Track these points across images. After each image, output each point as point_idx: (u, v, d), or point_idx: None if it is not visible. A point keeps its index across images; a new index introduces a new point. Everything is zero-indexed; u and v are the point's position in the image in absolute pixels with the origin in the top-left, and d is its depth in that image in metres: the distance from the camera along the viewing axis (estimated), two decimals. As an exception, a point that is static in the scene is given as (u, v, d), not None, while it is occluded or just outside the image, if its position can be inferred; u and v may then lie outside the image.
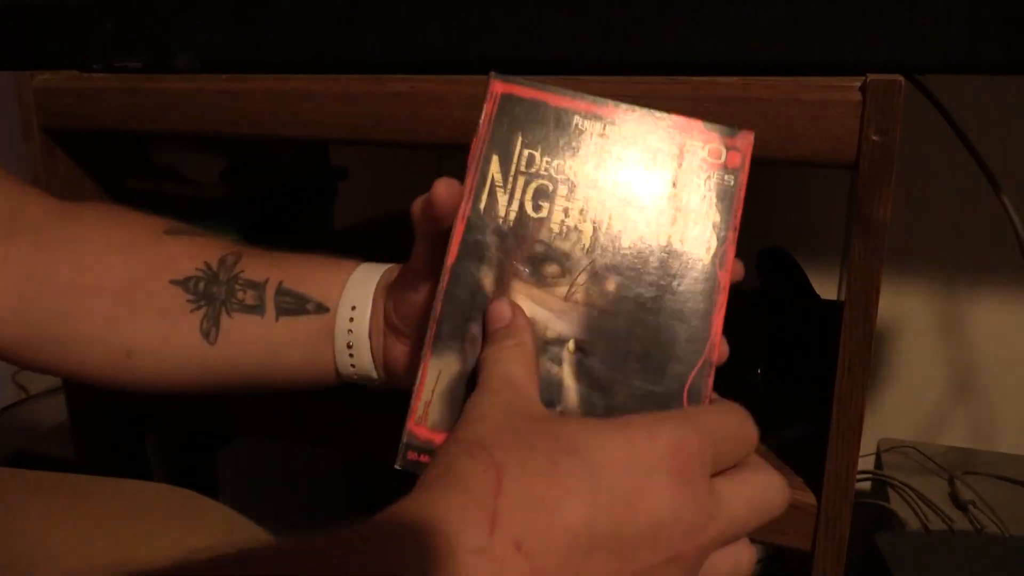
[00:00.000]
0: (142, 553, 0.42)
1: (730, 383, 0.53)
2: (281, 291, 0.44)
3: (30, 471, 0.47)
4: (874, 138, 0.40)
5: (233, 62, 0.56)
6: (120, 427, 0.77)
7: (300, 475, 0.91)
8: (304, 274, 0.44)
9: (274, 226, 0.77)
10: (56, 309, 0.44)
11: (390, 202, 0.95)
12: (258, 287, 0.44)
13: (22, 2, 0.62)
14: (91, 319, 0.44)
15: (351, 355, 0.43)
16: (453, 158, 1.07)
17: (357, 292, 0.43)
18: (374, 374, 0.44)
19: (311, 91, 0.52)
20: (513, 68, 0.48)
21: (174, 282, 0.44)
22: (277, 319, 0.44)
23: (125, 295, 0.44)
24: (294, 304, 0.44)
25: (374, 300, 0.43)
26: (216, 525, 0.47)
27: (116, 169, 0.74)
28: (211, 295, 0.44)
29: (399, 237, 0.80)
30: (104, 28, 0.60)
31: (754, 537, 0.49)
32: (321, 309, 0.44)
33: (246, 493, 0.81)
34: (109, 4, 0.59)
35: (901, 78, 0.40)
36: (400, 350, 0.42)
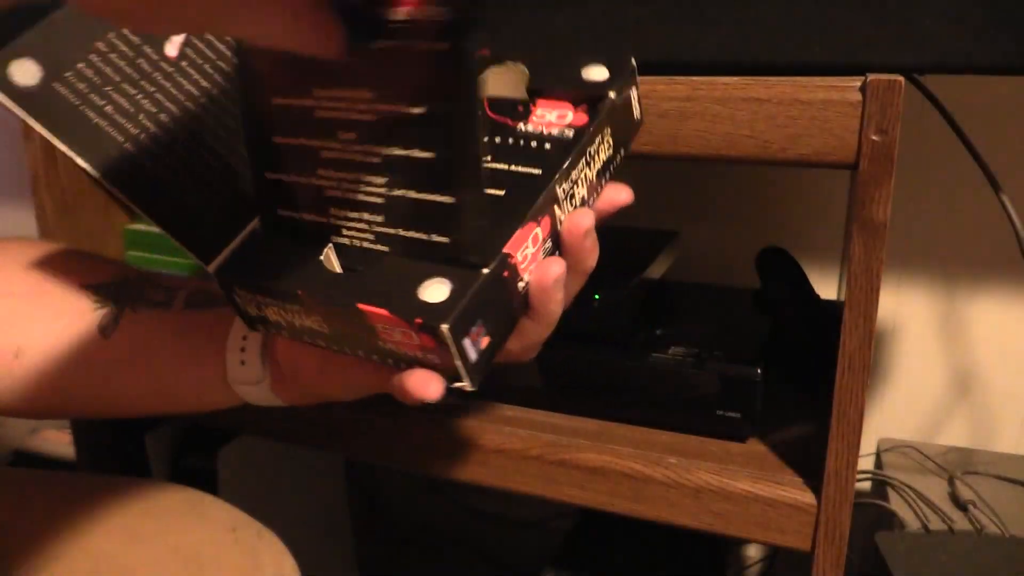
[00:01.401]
0: (145, 550, 0.42)
1: (730, 383, 0.53)
2: (194, 292, 0.43)
3: (32, 470, 0.47)
4: (874, 138, 0.40)
5: (233, 62, 0.56)
6: (120, 427, 0.77)
7: (300, 475, 0.91)
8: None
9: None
10: None
11: (390, 202, 0.95)
12: (171, 290, 0.43)
13: (22, 2, 0.61)
14: None
15: (243, 349, 0.39)
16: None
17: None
18: (261, 372, 0.39)
19: (311, 91, 0.52)
20: (513, 68, 0.48)
21: (87, 286, 0.42)
22: (182, 312, 0.42)
23: (29, 299, 0.42)
24: (204, 300, 0.42)
25: None
26: (218, 521, 0.47)
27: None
28: (120, 297, 0.42)
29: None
30: (104, 28, 0.60)
31: (754, 537, 0.50)
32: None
33: (246, 493, 0.81)
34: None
35: (901, 78, 0.40)
36: (309, 350, 0.37)
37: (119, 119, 0.33)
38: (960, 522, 0.62)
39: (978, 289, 0.80)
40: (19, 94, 0.32)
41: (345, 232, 0.33)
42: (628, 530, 0.76)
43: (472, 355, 0.30)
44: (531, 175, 0.33)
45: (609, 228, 0.82)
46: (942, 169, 0.77)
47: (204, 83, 0.35)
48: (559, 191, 0.33)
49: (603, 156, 0.36)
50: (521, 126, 0.36)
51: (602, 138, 0.36)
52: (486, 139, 0.36)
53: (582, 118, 0.35)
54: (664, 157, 0.45)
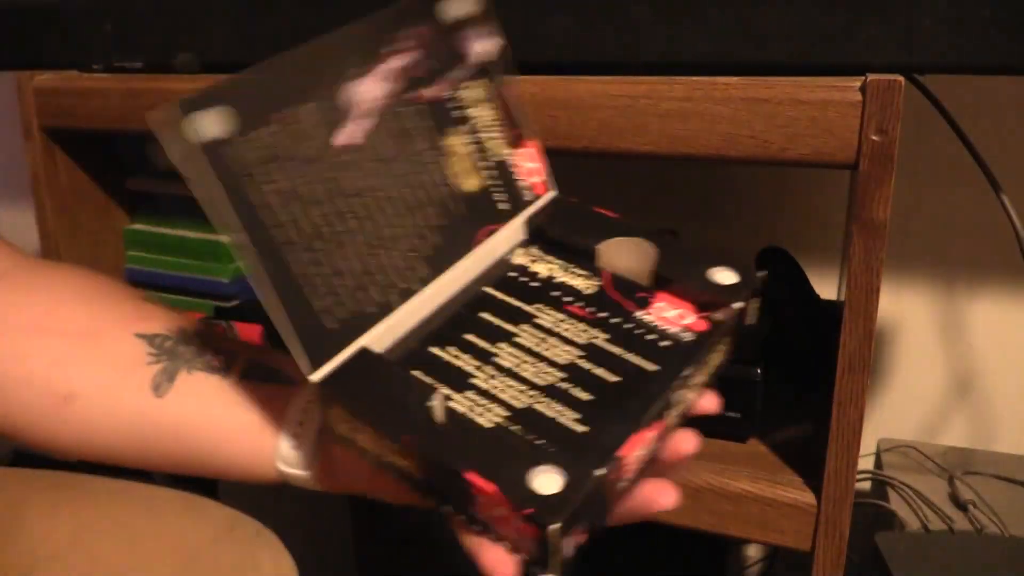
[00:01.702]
0: (145, 551, 0.42)
1: (730, 383, 0.53)
2: (253, 361, 0.41)
3: (32, 470, 0.47)
4: (874, 138, 0.40)
5: (233, 62, 0.56)
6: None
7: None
8: (283, 358, 0.40)
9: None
10: (8, 348, 0.40)
11: (390, 202, 0.95)
12: (231, 354, 0.41)
13: (22, 2, 0.62)
14: (38, 359, 0.40)
15: (297, 434, 0.39)
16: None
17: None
18: (311, 461, 0.39)
19: (311, 91, 0.52)
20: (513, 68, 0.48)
21: (140, 335, 0.41)
22: (240, 381, 0.40)
23: (82, 341, 0.41)
24: (263, 373, 0.41)
25: None
26: (216, 520, 0.47)
27: (116, 169, 0.74)
28: (176, 353, 0.41)
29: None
30: (104, 28, 0.60)
31: (754, 537, 0.50)
32: (290, 382, 0.40)
33: (244, 492, 0.81)
34: (109, 4, 0.59)
35: (901, 78, 0.40)
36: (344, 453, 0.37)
37: (277, 196, 0.32)
38: (960, 522, 0.62)
39: (978, 289, 0.80)
40: (204, 145, 0.30)
41: (472, 382, 0.33)
42: (628, 530, 0.76)
43: (567, 552, 0.30)
44: (646, 371, 0.33)
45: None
46: (942, 169, 0.77)
47: (364, 181, 0.34)
48: (674, 397, 0.33)
49: (715, 363, 0.36)
50: (639, 313, 0.36)
51: (719, 346, 0.36)
52: (604, 315, 0.36)
53: (702, 324, 0.35)
54: (664, 157, 0.45)
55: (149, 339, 0.41)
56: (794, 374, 0.60)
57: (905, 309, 0.82)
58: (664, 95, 0.44)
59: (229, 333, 0.43)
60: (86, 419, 0.40)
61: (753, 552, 0.92)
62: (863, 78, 0.40)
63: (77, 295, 0.43)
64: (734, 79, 0.43)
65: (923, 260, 0.81)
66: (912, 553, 0.58)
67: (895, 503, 0.66)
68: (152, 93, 0.58)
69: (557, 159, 0.43)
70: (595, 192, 0.93)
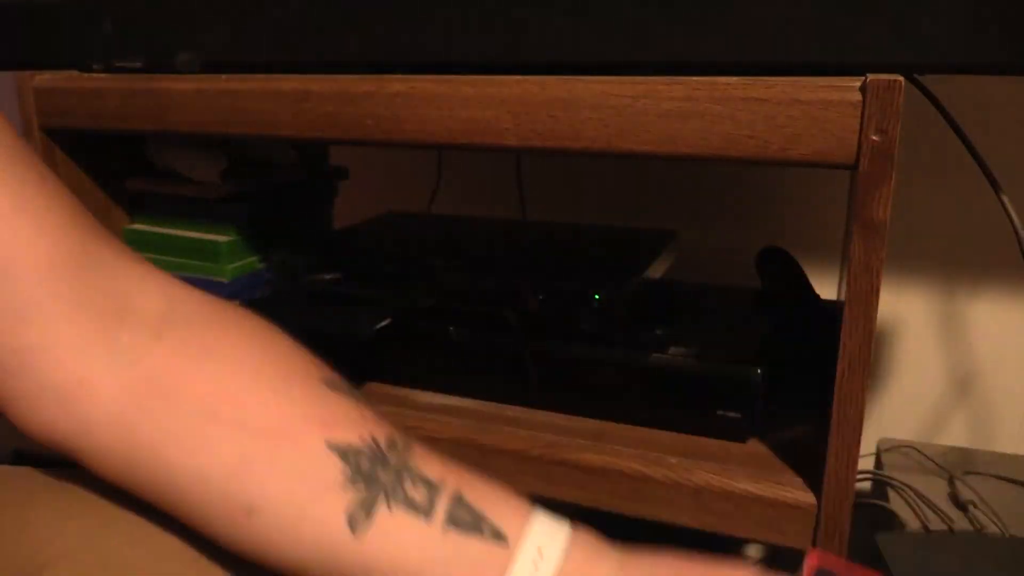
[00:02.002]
0: (150, 547, 0.42)
1: (730, 383, 0.53)
2: (457, 500, 0.37)
3: (38, 469, 0.47)
4: (874, 138, 0.40)
5: (233, 62, 0.56)
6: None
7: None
8: (485, 491, 0.37)
9: (274, 226, 0.77)
10: (177, 432, 0.36)
11: (390, 202, 0.95)
12: (432, 487, 0.37)
13: (22, 2, 0.62)
14: (215, 456, 0.35)
15: None
16: (453, 158, 1.08)
17: (545, 535, 0.37)
18: None
19: (311, 91, 0.52)
20: (513, 68, 0.48)
21: (332, 446, 0.36)
22: (445, 531, 0.36)
23: (265, 441, 0.36)
24: (469, 520, 0.36)
25: (569, 554, 0.36)
26: None
27: (116, 169, 0.74)
28: (374, 478, 0.36)
29: (399, 237, 0.80)
30: (104, 28, 0.60)
31: (754, 537, 0.50)
32: (498, 537, 0.36)
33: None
34: (109, 4, 0.59)
35: (901, 78, 0.40)
36: None
37: None
38: (960, 522, 0.62)
39: (978, 289, 0.80)
40: None
41: None
42: (628, 530, 0.76)
43: None
44: None
45: (609, 228, 0.83)
46: (942, 169, 0.77)
47: None
48: None
49: None
50: None
51: None
52: None
53: None
54: (664, 157, 0.45)
55: (343, 453, 0.36)
56: (794, 374, 0.60)
57: (905, 309, 0.82)
58: (664, 95, 0.44)
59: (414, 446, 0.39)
60: (269, 538, 0.36)
61: (753, 552, 0.92)
62: (863, 78, 0.40)
63: (255, 371, 0.38)
64: (734, 79, 0.43)
65: (923, 260, 0.81)
66: (912, 553, 0.58)
67: (895, 503, 0.66)
68: (152, 93, 0.58)
69: (557, 159, 0.43)
70: (595, 192, 0.93)
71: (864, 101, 0.40)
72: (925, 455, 0.72)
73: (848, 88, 0.41)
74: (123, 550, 0.41)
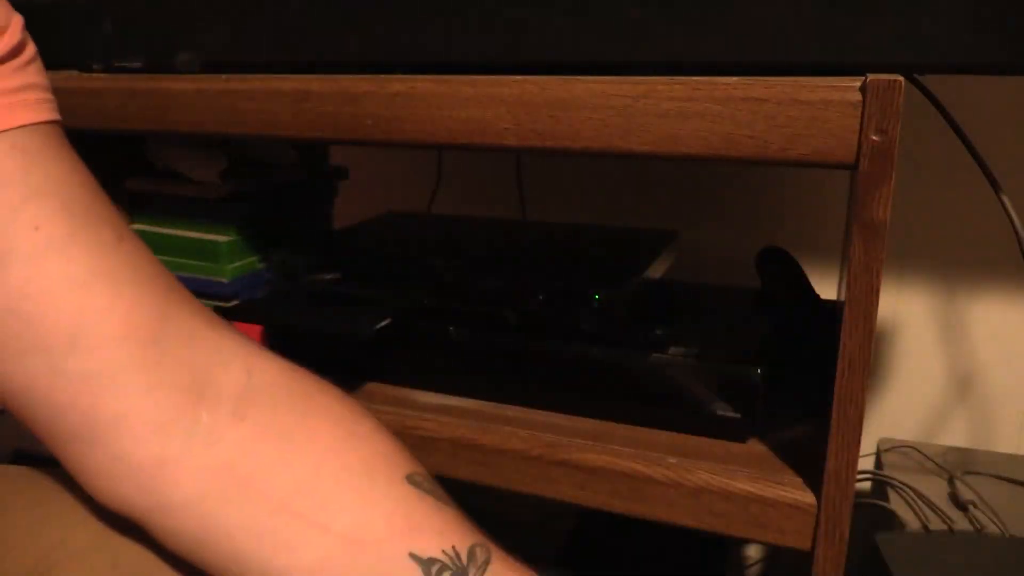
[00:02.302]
0: (163, 551, 0.42)
1: (730, 383, 0.53)
2: None
3: (43, 469, 0.46)
4: (874, 138, 0.40)
5: (233, 62, 0.56)
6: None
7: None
8: None
9: (274, 226, 0.77)
10: (255, 528, 0.34)
11: (390, 202, 0.95)
12: None
13: (22, 2, 0.62)
14: (299, 559, 0.34)
15: None
16: (453, 158, 1.08)
17: None
18: None
19: (311, 91, 0.52)
20: (513, 68, 0.48)
21: (414, 557, 0.35)
22: None
23: (349, 547, 0.35)
24: None
25: None
26: None
27: (116, 169, 0.74)
28: None
29: (399, 237, 0.80)
30: (104, 28, 0.60)
31: (754, 537, 0.50)
32: None
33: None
34: (109, 4, 0.59)
35: (901, 78, 0.40)
36: None
37: None
38: (960, 522, 0.62)
39: (978, 289, 0.80)
40: None
41: None
42: (628, 530, 0.76)
43: None
44: None
45: (609, 228, 0.83)
46: (942, 169, 0.77)
47: None
48: None
49: None
50: None
51: None
52: None
53: None
54: (664, 157, 0.45)
55: (424, 565, 0.35)
56: (794, 374, 0.60)
57: (905, 309, 0.82)
58: (664, 95, 0.44)
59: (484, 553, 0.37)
60: None
61: (753, 552, 0.92)
62: (863, 78, 0.40)
63: (340, 464, 0.36)
64: (734, 79, 0.43)
65: (923, 260, 0.81)
66: (912, 553, 0.58)
67: (895, 503, 0.66)
68: (152, 93, 0.58)
69: (557, 159, 0.43)
70: (595, 192, 0.93)
71: (864, 101, 0.40)
72: (925, 455, 0.72)
73: (848, 88, 0.41)
74: (133, 552, 0.41)
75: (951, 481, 0.67)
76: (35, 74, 0.40)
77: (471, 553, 0.36)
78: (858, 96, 0.40)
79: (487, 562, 0.36)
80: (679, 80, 0.44)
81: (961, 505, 0.64)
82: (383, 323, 0.61)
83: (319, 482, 0.35)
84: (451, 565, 0.35)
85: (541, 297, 0.58)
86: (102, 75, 0.61)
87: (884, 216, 0.41)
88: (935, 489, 0.67)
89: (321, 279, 0.66)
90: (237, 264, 0.73)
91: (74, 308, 0.33)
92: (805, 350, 0.61)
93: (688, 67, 0.45)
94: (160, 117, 0.58)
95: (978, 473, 0.69)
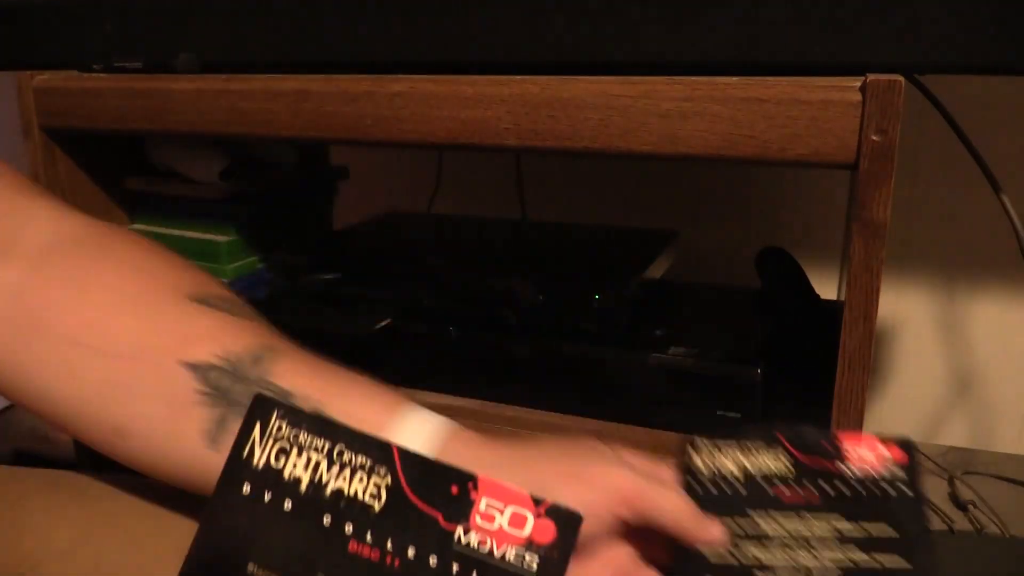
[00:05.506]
0: (148, 550, 0.42)
1: (730, 383, 0.53)
2: (315, 412, 0.37)
3: (33, 469, 0.47)
4: (874, 138, 0.40)
5: (233, 62, 0.56)
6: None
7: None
8: (348, 404, 0.37)
9: (274, 226, 0.77)
10: (48, 360, 0.38)
11: (390, 202, 0.95)
12: (290, 399, 0.37)
13: (22, 2, 0.62)
14: (85, 384, 0.38)
15: None
16: (453, 158, 1.07)
17: (411, 442, 0.37)
18: None
19: (311, 91, 0.52)
20: (513, 68, 0.48)
21: (186, 364, 0.37)
22: None
23: (127, 365, 0.38)
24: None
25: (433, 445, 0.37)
26: None
27: (116, 169, 0.74)
28: (227, 392, 0.37)
29: (399, 237, 0.80)
30: (104, 28, 0.60)
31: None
32: None
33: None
34: (109, 4, 0.59)
35: (901, 78, 0.40)
36: None
37: None
38: (960, 522, 0.62)
39: (978, 289, 0.80)
40: None
41: None
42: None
43: None
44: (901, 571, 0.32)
45: (609, 228, 0.83)
46: (942, 169, 0.77)
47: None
48: None
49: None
50: (843, 467, 0.34)
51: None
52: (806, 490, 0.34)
53: (900, 454, 0.34)
54: (664, 157, 0.45)
55: (195, 370, 0.37)
56: (794, 374, 0.60)
57: (905, 309, 0.82)
58: (664, 95, 0.44)
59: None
60: (140, 458, 0.38)
61: (753, 552, 0.92)
62: (863, 78, 0.40)
63: (121, 295, 0.40)
64: (734, 79, 0.43)
65: (923, 260, 0.81)
66: (912, 553, 0.58)
67: (895, 503, 0.66)
68: (152, 93, 0.58)
69: (557, 159, 0.43)
70: (595, 192, 0.93)
71: (864, 101, 0.40)
72: (925, 455, 0.72)
73: (848, 88, 0.41)
74: (118, 552, 0.41)
75: (951, 481, 0.67)
76: None
77: (254, 355, 0.38)
78: (858, 96, 0.40)
79: (272, 361, 0.38)
80: (679, 80, 0.44)
81: (961, 505, 0.64)
82: (383, 323, 0.61)
83: (101, 315, 0.38)
84: (225, 367, 0.37)
85: (541, 297, 0.58)
86: (102, 75, 0.61)
87: (884, 216, 0.41)
88: (935, 489, 0.67)
89: (321, 279, 0.66)
90: (237, 264, 0.73)
91: None
92: (805, 350, 0.61)
93: (688, 67, 0.45)
94: (160, 117, 0.58)
95: (978, 473, 0.69)
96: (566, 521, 0.29)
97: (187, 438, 0.37)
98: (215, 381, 0.37)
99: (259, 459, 0.32)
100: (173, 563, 0.42)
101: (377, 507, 0.30)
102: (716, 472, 0.37)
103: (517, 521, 0.29)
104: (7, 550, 0.40)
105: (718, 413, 0.53)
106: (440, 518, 0.30)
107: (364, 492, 0.30)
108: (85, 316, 0.39)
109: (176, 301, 0.40)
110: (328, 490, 0.31)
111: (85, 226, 0.42)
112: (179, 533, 0.43)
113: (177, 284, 0.41)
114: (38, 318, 0.38)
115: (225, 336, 0.38)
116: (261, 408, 0.33)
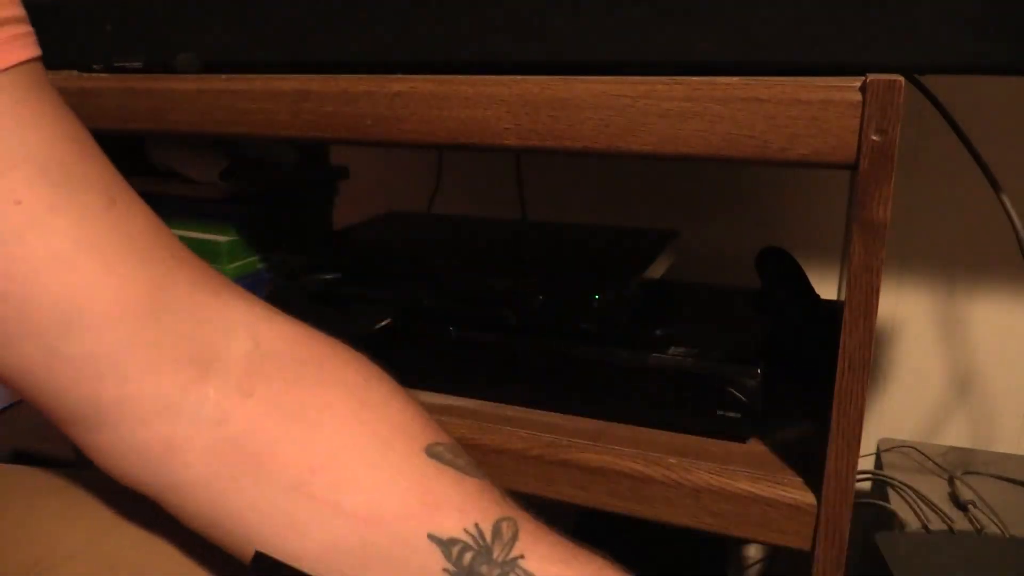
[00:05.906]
0: (155, 549, 0.42)
1: (730, 383, 0.53)
2: None
3: (44, 469, 0.46)
4: (874, 138, 0.40)
5: (233, 62, 0.56)
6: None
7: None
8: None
9: (274, 226, 0.77)
10: (265, 509, 0.33)
11: (390, 202, 0.95)
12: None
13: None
14: (308, 542, 0.33)
15: None
16: (453, 158, 1.08)
17: None
18: None
19: (311, 91, 0.52)
20: (513, 68, 0.48)
21: (433, 538, 0.33)
22: None
23: (362, 529, 0.33)
24: None
25: None
26: None
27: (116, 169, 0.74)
28: (475, 572, 0.33)
29: (399, 237, 0.80)
30: (104, 28, 0.60)
31: (754, 537, 0.50)
32: None
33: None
34: (109, 4, 0.59)
35: (901, 78, 0.40)
36: None
37: None
38: (960, 522, 0.62)
39: (978, 289, 0.80)
40: None
41: None
42: (628, 530, 0.76)
43: None
44: None
45: (609, 228, 0.83)
46: (942, 169, 0.77)
47: None
48: None
49: None
50: None
51: None
52: None
53: None
54: (664, 157, 0.45)
55: (445, 546, 0.33)
56: (794, 374, 0.60)
57: (905, 309, 0.82)
58: (664, 95, 0.44)
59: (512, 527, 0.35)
60: None
61: (753, 552, 0.92)
62: (863, 78, 0.40)
63: (352, 438, 0.34)
64: (734, 79, 0.43)
65: (923, 260, 0.81)
66: (912, 553, 0.58)
67: (895, 503, 0.66)
68: (152, 93, 0.58)
69: (557, 159, 0.43)
70: (595, 192, 0.93)
71: (864, 101, 0.40)
72: (925, 455, 0.72)
73: (848, 88, 0.41)
74: (128, 552, 0.41)
75: (951, 481, 0.67)
76: (8, 4, 0.34)
77: (496, 529, 0.34)
78: (858, 96, 0.40)
79: (514, 537, 0.34)
80: (679, 80, 0.44)
81: (961, 505, 0.64)
82: (383, 323, 0.61)
83: (330, 460, 0.33)
84: (474, 545, 0.33)
85: (541, 297, 0.58)
86: (102, 75, 0.61)
87: (884, 216, 0.41)
88: (935, 489, 0.67)
89: (321, 279, 0.66)
90: (237, 264, 0.73)
91: (61, 287, 0.31)
92: (805, 350, 0.61)
93: (688, 67, 0.45)
94: (160, 117, 0.58)
95: (978, 473, 0.69)
96: None
97: None
98: (464, 560, 0.33)
99: None
100: (184, 564, 0.42)
101: None
102: None
103: None
104: (18, 551, 0.40)
105: (718, 413, 0.53)
106: None
107: None
108: (314, 461, 0.33)
109: (411, 452, 0.35)
110: None
111: (291, 336, 0.36)
112: (190, 534, 0.43)
113: (407, 428, 0.36)
114: (253, 455, 0.33)
115: (468, 504, 0.34)
116: None
